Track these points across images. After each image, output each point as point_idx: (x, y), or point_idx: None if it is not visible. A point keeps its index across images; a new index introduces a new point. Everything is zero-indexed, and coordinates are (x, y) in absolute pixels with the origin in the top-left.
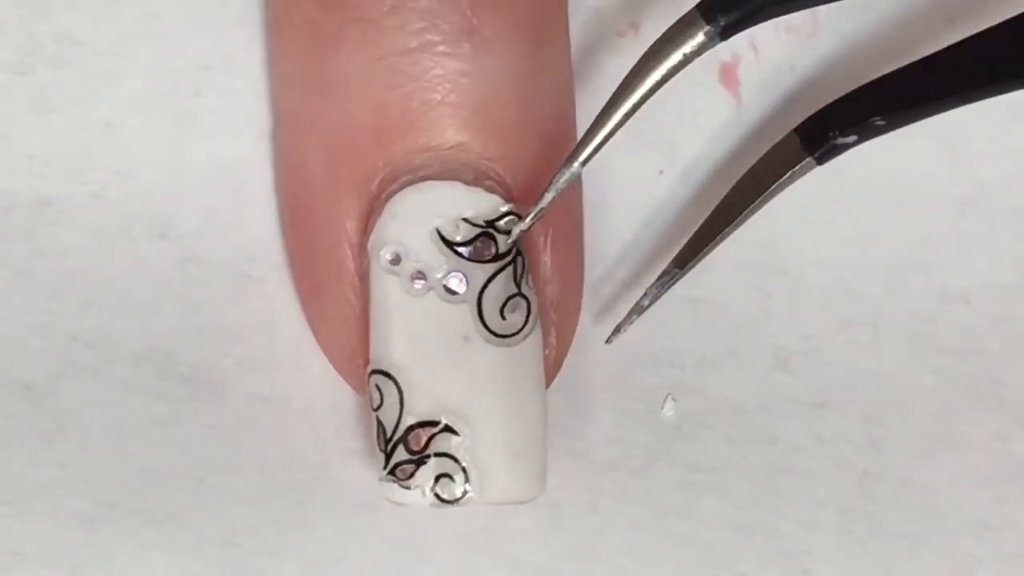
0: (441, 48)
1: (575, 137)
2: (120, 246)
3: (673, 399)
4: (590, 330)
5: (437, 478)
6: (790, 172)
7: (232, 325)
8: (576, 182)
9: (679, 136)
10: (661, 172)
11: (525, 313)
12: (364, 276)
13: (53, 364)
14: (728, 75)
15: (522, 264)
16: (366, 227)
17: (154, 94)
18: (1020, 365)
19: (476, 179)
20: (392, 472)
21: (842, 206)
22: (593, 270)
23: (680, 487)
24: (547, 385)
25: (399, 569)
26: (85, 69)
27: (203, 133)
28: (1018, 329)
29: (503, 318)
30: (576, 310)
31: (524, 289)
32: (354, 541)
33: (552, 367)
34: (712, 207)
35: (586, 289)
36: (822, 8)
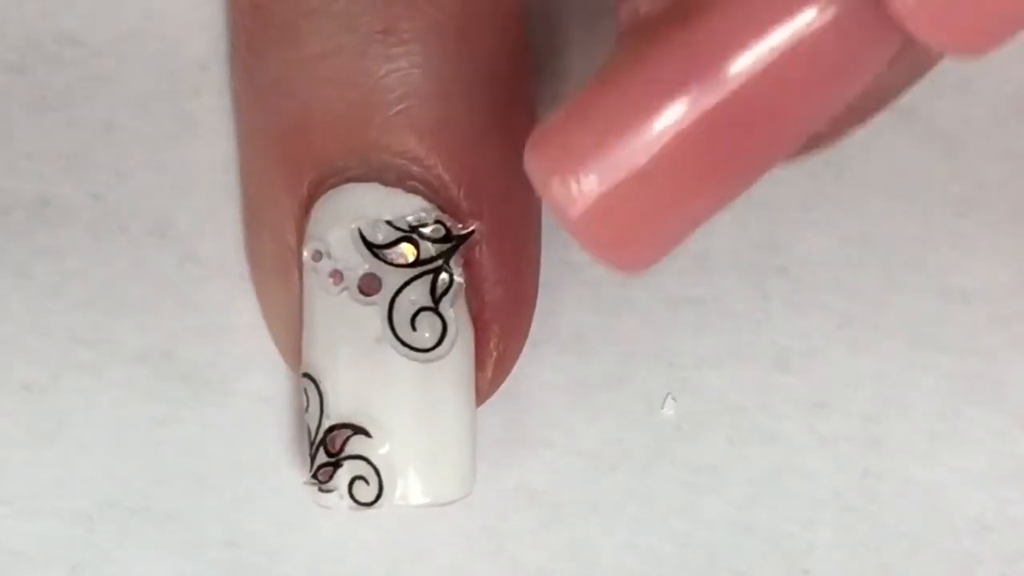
0: (357, 49)
1: (519, 134)
2: (120, 246)
3: (673, 399)
4: (590, 330)
5: (352, 480)
6: None
7: (232, 325)
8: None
9: None
10: None
11: (439, 334)
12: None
13: (53, 364)
14: None
15: (447, 282)
16: (302, 232)
17: (154, 94)
18: (1020, 365)
19: (399, 180)
20: (315, 476)
21: (842, 206)
22: (593, 270)
23: (680, 487)
24: (497, 386)
25: (399, 569)
26: (85, 69)
27: (203, 133)
28: (1018, 329)
29: (414, 329)
30: (526, 310)
31: (443, 308)
32: (354, 541)
33: (498, 369)
34: None
35: (585, 288)
36: None
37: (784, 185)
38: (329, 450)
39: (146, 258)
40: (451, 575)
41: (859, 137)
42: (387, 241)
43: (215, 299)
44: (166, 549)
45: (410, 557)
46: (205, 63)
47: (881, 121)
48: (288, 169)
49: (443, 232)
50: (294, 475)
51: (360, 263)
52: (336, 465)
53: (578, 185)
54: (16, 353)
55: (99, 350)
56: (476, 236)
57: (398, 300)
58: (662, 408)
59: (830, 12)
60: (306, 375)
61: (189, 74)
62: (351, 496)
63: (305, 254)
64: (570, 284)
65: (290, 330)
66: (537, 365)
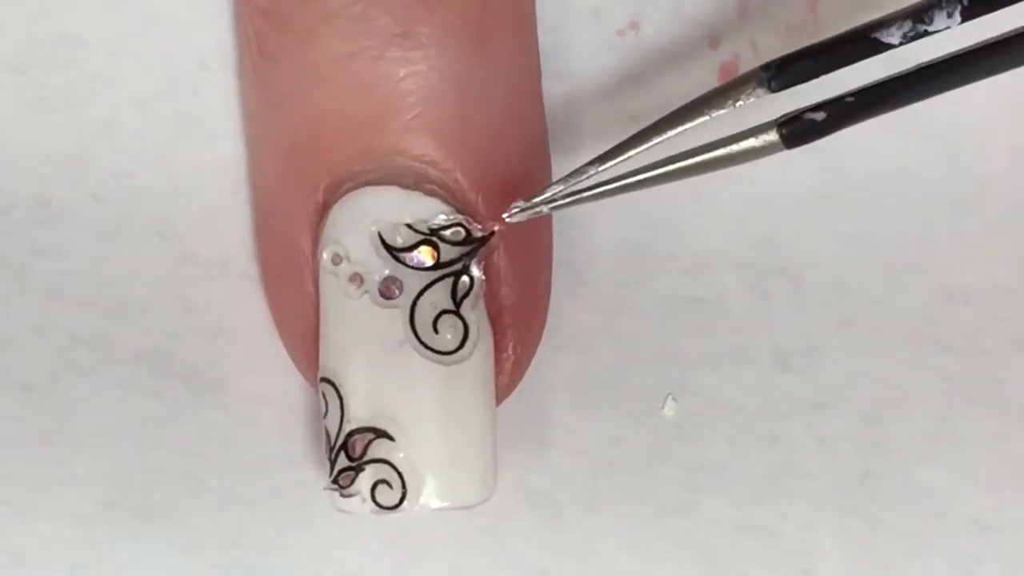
0: (375, 53)
1: (533, 136)
2: (119, 246)
3: (673, 399)
4: (590, 330)
5: (375, 484)
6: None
7: (232, 325)
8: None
9: (679, 136)
10: None
11: (461, 336)
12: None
13: (53, 364)
14: (728, 75)
15: (468, 284)
16: (317, 237)
17: (154, 94)
18: (1020, 365)
19: (416, 183)
20: (336, 480)
21: (842, 206)
22: (593, 270)
23: (680, 487)
24: (512, 389)
25: (398, 569)
26: (85, 69)
27: (203, 133)
28: (1018, 329)
29: (436, 331)
30: (540, 313)
31: (464, 310)
32: (354, 541)
33: (514, 372)
34: (711, 207)
35: (586, 288)
36: (823, 6)
37: (784, 185)
38: (350, 454)
39: (146, 258)
40: (451, 575)
41: (859, 137)
42: (407, 244)
43: (215, 299)
44: (166, 549)
45: (410, 557)
46: (205, 63)
47: (881, 121)
48: (302, 174)
49: (463, 234)
50: (294, 475)
51: (380, 266)
52: (358, 469)
53: None
54: (16, 353)
55: (99, 350)
56: (496, 238)
57: (420, 303)
58: (662, 408)
59: None
60: (325, 379)
61: (189, 74)
62: (374, 500)
63: (324, 257)
64: (571, 285)
65: (304, 336)
66: (537, 365)
